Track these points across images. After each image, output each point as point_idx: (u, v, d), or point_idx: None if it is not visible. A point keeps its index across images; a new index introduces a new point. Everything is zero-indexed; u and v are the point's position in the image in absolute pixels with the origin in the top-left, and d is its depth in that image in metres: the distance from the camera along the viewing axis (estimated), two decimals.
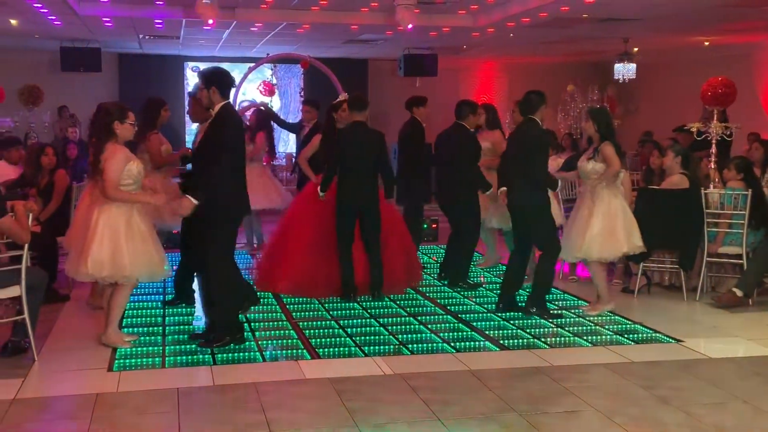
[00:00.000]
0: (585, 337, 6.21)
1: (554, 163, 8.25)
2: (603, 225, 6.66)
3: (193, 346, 5.87)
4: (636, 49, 14.55)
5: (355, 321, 6.66)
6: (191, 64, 17.38)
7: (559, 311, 6.95)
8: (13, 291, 5.38)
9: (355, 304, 7.19)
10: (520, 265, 6.99)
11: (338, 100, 7.88)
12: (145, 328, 6.39)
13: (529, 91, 7.00)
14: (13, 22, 11.88)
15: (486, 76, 19.06)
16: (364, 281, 7.39)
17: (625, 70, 14.29)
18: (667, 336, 6.21)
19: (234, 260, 6.14)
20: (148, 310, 6.97)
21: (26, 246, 5.38)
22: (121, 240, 5.54)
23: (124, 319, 6.35)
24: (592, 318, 6.73)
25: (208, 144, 5.83)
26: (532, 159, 6.69)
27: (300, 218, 7.76)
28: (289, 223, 7.90)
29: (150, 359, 5.62)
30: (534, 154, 6.74)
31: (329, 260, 7.41)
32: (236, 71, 17.30)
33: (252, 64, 15.20)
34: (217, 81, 5.79)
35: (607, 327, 6.50)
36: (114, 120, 5.58)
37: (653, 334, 6.30)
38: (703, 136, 8.29)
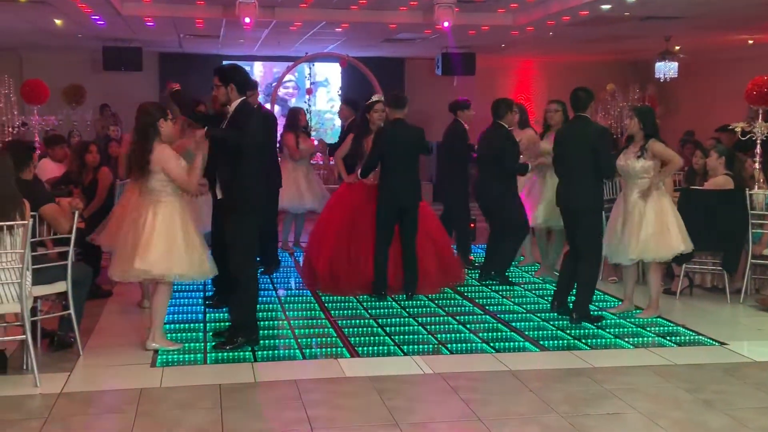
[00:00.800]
0: (626, 339, 6.15)
1: None
2: (656, 224, 6.56)
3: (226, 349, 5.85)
4: (678, 48, 14.36)
5: (393, 320, 6.66)
6: (230, 62, 17.52)
7: (600, 312, 6.88)
8: (59, 287, 5.48)
9: (394, 303, 7.19)
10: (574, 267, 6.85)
11: (372, 100, 7.81)
12: (187, 325, 6.48)
13: (577, 87, 6.88)
14: (58, 22, 12.06)
15: (524, 75, 18.95)
16: (396, 280, 7.40)
17: (666, 69, 14.09)
18: (711, 338, 6.13)
19: (254, 255, 6.13)
20: (190, 308, 7.05)
21: (72, 242, 5.47)
22: (177, 238, 5.58)
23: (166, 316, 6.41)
24: (633, 320, 6.66)
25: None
26: (597, 155, 6.57)
27: (333, 217, 7.77)
28: (324, 222, 7.93)
29: (192, 355, 5.68)
30: (598, 150, 6.59)
31: (363, 258, 7.41)
32: (275, 69, 17.57)
33: (290, 63, 15.26)
34: (236, 78, 5.80)
35: (648, 329, 6.43)
36: (159, 119, 5.65)
37: (696, 337, 6.22)
38: (748, 136, 8.15)
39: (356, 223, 7.50)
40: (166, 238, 5.55)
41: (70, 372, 5.27)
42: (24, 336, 5.06)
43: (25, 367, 5.21)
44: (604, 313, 6.87)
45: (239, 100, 5.78)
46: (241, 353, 5.69)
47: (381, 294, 7.28)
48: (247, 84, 5.95)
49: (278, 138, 9.02)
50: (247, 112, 5.86)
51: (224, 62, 14.66)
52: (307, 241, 8.38)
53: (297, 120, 9.62)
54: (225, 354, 5.69)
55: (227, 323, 6.22)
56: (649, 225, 6.54)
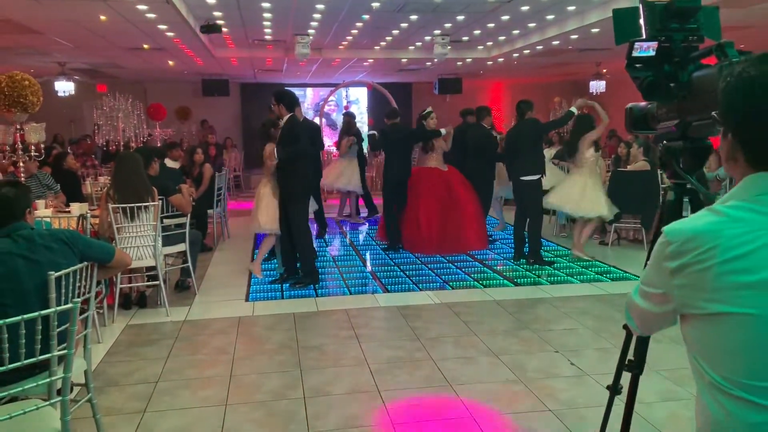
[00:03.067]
0: (575, 277, 6.08)
1: (547, 153, 8.05)
2: (591, 193, 6.54)
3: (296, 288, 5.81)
4: (605, 70, 14.05)
5: (411, 266, 6.62)
6: (289, 88, 17.39)
7: (552, 259, 6.79)
8: (180, 247, 5.49)
9: (410, 254, 7.11)
10: (524, 227, 6.80)
11: (426, 111, 7.45)
12: (271, 273, 6.47)
13: (520, 101, 6.78)
14: (171, 63, 12.00)
15: (496, 93, 18.67)
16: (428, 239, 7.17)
17: (597, 86, 13.83)
18: (634, 275, 6.04)
19: (309, 225, 5.99)
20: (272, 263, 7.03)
21: (188, 216, 5.47)
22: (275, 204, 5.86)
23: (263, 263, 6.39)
24: (578, 262, 6.58)
25: (283, 142, 5.66)
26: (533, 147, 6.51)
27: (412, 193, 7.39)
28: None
29: (273, 293, 5.68)
30: (533, 143, 6.53)
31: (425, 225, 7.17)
32: (321, 92, 17.42)
33: (332, 88, 15.13)
34: (283, 98, 5.70)
35: (590, 269, 6.35)
36: (270, 128, 5.77)
37: (624, 274, 6.14)
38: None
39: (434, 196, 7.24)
40: (272, 206, 5.86)
41: (189, 306, 5.29)
42: (158, 282, 5.08)
43: (159, 303, 5.24)
44: (557, 258, 6.80)
45: (288, 116, 5.69)
46: (306, 291, 5.69)
47: (396, 248, 7.22)
48: (293, 103, 5.79)
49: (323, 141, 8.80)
50: (295, 124, 5.72)
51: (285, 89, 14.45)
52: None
53: (350, 127, 9.24)
54: (295, 292, 5.68)
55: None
56: (590, 194, 6.50)
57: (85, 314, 2.89)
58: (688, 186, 1.78)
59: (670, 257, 1.14)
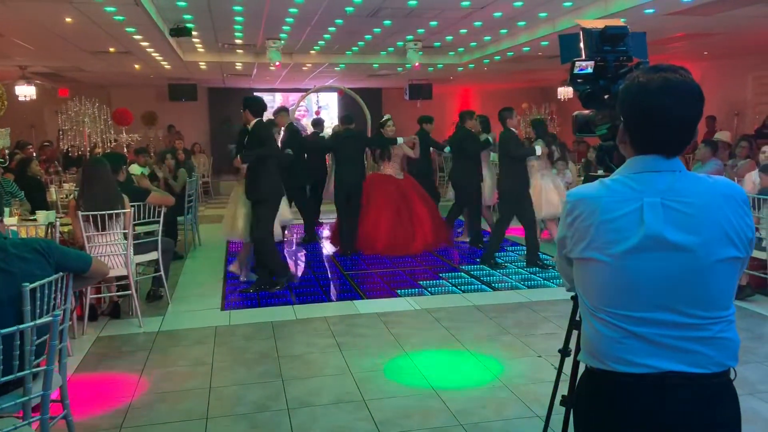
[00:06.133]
0: (552, 281, 6.13)
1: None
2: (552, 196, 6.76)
3: (276, 291, 5.77)
4: None
5: (387, 271, 6.57)
6: (258, 93, 17.22)
7: (504, 264, 6.77)
8: (152, 255, 5.33)
9: (386, 259, 7.08)
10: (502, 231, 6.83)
11: (384, 118, 7.59)
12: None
13: (502, 108, 6.72)
14: (137, 66, 11.72)
15: (465, 98, 18.82)
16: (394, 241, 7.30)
17: (566, 92, 14.07)
18: None
19: (271, 231, 5.83)
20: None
21: (160, 223, 5.32)
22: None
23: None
24: (556, 267, 6.64)
25: (250, 146, 5.65)
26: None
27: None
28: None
29: (249, 301, 5.56)
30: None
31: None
32: (291, 97, 17.28)
33: (302, 93, 15.02)
34: (250, 105, 5.67)
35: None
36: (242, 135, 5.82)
37: None
38: None
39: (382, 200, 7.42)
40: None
41: (163, 316, 5.14)
42: (130, 291, 4.92)
43: (131, 314, 5.07)
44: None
45: (255, 120, 5.65)
46: (283, 299, 5.59)
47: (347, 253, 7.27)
48: (260, 109, 5.70)
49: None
50: (262, 127, 5.68)
51: (253, 94, 14.39)
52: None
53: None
54: (272, 299, 5.58)
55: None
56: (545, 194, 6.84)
57: (61, 327, 2.76)
58: None
59: (567, 213, 1.52)
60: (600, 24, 2.15)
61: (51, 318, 2.07)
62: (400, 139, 7.39)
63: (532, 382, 3.70)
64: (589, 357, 1.51)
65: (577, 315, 2.43)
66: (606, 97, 2.16)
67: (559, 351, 2.64)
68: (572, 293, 2.02)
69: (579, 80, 2.19)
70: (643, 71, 1.47)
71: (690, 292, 1.41)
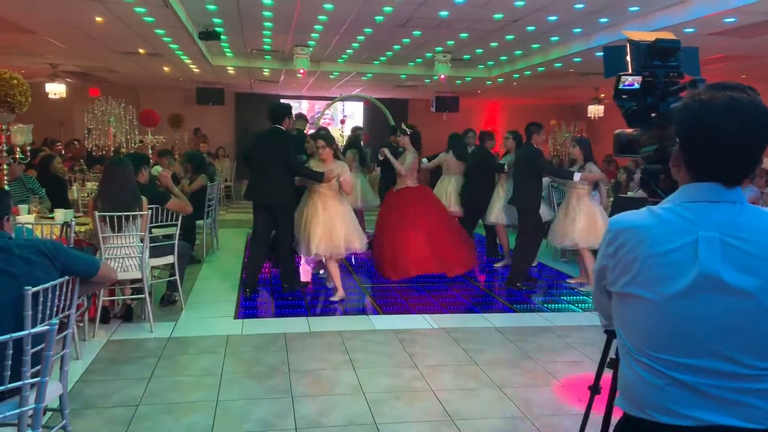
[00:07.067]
0: (576, 305, 5.91)
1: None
2: (586, 221, 6.18)
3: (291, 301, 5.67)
4: (603, 95, 14.05)
5: (405, 286, 6.38)
6: (284, 100, 17.24)
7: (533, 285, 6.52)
8: (168, 259, 5.25)
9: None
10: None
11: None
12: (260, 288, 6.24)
13: (530, 123, 6.51)
14: (166, 69, 11.81)
15: (492, 113, 18.64)
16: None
17: (596, 110, 13.81)
18: None
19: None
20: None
21: (178, 227, 5.24)
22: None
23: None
24: (580, 290, 6.41)
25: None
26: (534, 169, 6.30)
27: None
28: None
29: (263, 311, 5.46)
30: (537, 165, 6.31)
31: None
32: (317, 105, 17.28)
33: (328, 101, 14.99)
34: (269, 113, 5.80)
35: (590, 296, 6.19)
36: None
37: None
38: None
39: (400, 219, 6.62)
40: None
41: (175, 322, 5.05)
42: (143, 295, 4.83)
43: (143, 318, 4.99)
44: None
45: (271, 127, 5.78)
46: (298, 309, 5.46)
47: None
48: (275, 116, 5.71)
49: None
50: (275, 133, 5.73)
51: (281, 101, 14.39)
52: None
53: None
54: (286, 309, 5.46)
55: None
56: (581, 221, 6.18)
57: (64, 333, 2.66)
58: None
59: (609, 243, 1.38)
60: (650, 36, 1.98)
61: (48, 327, 1.95)
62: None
63: (555, 413, 3.50)
64: (628, 403, 1.38)
65: (613, 352, 2.25)
66: (653, 115, 1.98)
67: (589, 388, 2.45)
68: (610, 328, 1.86)
69: (624, 96, 2.02)
70: (705, 88, 1.32)
71: (746, 340, 1.26)
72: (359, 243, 5.78)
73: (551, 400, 3.68)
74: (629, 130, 2.14)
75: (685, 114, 1.33)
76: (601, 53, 2.22)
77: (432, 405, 3.57)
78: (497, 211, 7.18)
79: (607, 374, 2.36)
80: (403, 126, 7.02)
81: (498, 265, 7.50)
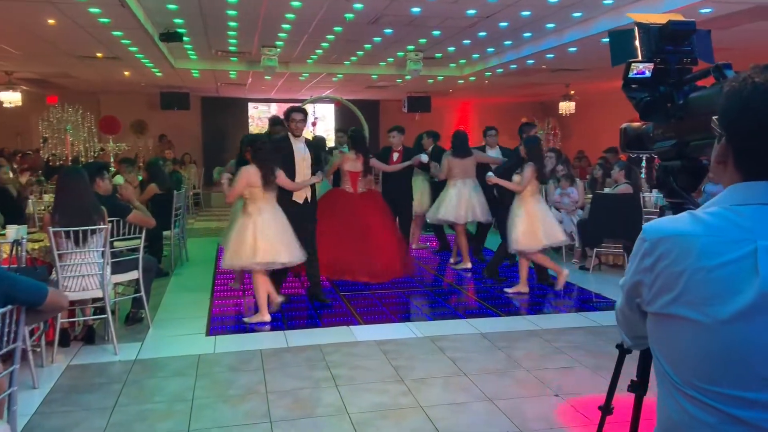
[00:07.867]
0: (561, 306, 5.75)
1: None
2: (527, 224, 5.85)
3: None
4: (573, 92, 14.06)
5: (386, 293, 6.17)
6: (252, 103, 16.88)
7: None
8: (132, 275, 4.92)
9: (388, 283, 6.56)
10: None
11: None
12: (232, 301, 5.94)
13: (523, 122, 6.48)
14: (126, 73, 11.36)
15: (463, 112, 18.57)
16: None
17: (567, 107, 13.81)
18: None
19: None
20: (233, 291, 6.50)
21: (142, 239, 4.91)
22: None
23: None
24: (560, 290, 6.23)
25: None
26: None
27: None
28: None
29: (236, 325, 5.16)
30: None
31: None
32: (286, 108, 16.94)
33: (299, 104, 14.68)
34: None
35: (572, 297, 6.04)
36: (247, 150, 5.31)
37: (610, 303, 5.84)
38: (635, 155, 7.79)
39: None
40: None
41: (142, 342, 4.72)
42: (106, 315, 4.50)
43: (107, 339, 4.65)
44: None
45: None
46: (274, 323, 5.18)
47: None
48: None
49: None
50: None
51: (252, 103, 14.06)
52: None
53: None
54: (260, 324, 5.15)
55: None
56: (519, 224, 5.89)
57: (9, 369, 2.36)
58: (685, 205, 1.75)
59: (645, 254, 1.16)
60: (660, 19, 1.77)
61: None
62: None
63: (552, 428, 3.30)
64: None
65: (629, 369, 2.05)
66: (668, 106, 1.76)
67: (600, 408, 2.27)
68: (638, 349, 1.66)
69: (634, 86, 1.77)
70: (759, 69, 1.11)
71: None
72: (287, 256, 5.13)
73: (547, 413, 3.49)
74: (636, 124, 1.91)
75: (732, 101, 1.12)
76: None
77: (422, 423, 3.34)
78: (448, 210, 7.08)
79: (619, 394, 2.18)
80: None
81: (457, 266, 7.41)
